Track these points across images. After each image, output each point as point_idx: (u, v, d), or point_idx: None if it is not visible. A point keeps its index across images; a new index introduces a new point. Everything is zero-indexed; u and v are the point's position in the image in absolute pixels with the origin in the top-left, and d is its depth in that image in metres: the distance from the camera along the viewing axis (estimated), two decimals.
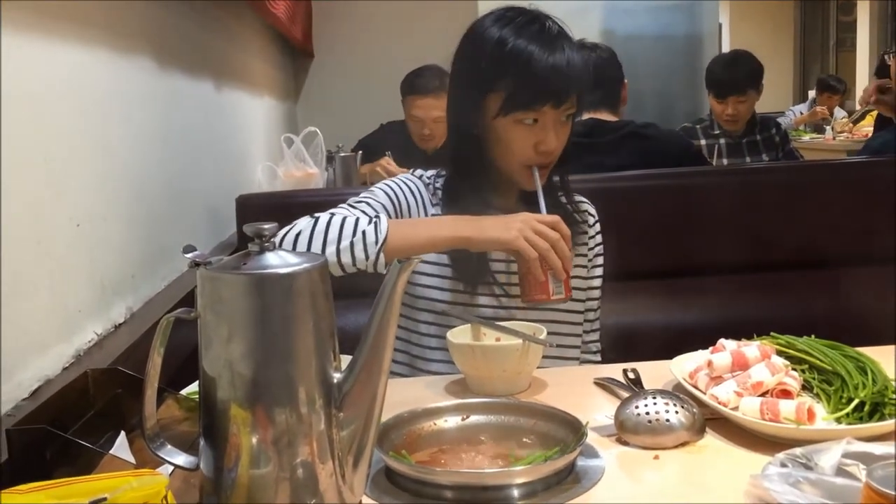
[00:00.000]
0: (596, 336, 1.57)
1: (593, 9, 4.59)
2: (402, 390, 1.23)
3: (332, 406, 0.80)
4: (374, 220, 1.27)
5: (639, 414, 1.02)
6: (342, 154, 3.23)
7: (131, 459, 0.91)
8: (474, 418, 1.04)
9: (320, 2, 4.42)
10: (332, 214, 1.30)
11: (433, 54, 3.46)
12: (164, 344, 0.81)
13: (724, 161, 3.30)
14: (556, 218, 1.30)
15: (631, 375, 1.19)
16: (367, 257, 1.23)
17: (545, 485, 0.89)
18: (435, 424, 1.02)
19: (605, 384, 1.21)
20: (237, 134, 2.68)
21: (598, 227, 1.56)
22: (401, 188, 1.44)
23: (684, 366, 1.17)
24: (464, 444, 1.00)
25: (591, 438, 1.01)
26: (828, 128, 6.28)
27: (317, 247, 1.25)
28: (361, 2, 4.44)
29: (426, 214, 1.43)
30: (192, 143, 1.98)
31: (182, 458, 0.83)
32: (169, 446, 0.83)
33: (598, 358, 1.55)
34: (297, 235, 1.26)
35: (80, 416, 0.96)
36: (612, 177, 1.99)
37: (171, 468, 0.86)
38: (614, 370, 1.25)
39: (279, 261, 0.79)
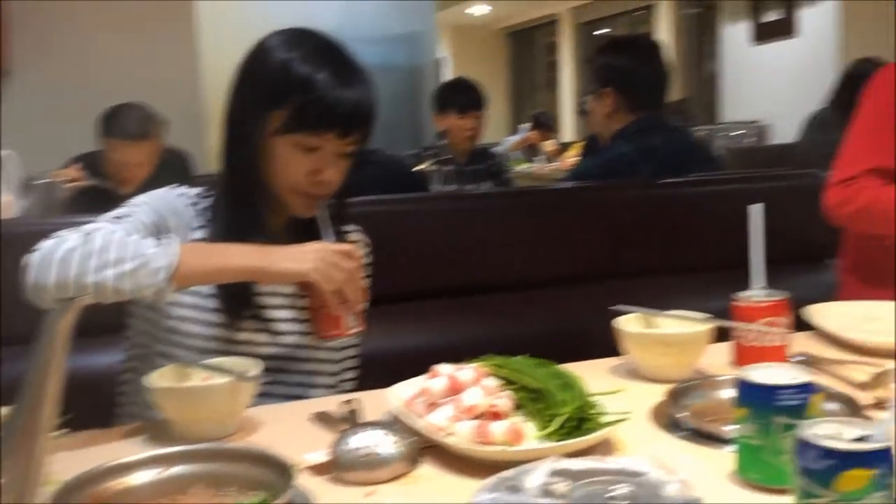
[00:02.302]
0: (353, 374, 1.51)
1: None
2: (90, 443, 1.10)
3: None
4: (161, 242, 1.16)
5: (351, 449, 0.97)
6: (42, 181, 2.93)
7: None
8: (175, 469, 0.94)
9: (17, 14, 3.99)
10: (108, 231, 1.16)
11: (146, 74, 3.26)
12: None
13: (453, 186, 3.45)
14: (350, 247, 1.25)
15: (348, 407, 1.15)
16: (152, 284, 1.12)
17: None
18: (125, 481, 0.90)
19: (323, 418, 1.16)
20: None
21: (369, 256, 1.51)
22: (165, 206, 1.32)
23: (403, 393, 1.15)
24: (161, 501, 0.90)
25: (306, 479, 0.95)
26: (540, 158, 6.78)
27: (90, 267, 1.11)
28: (65, 13, 4.06)
29: (187, 238, 1.31)
30: None
31: None
32: None
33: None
34: (69, 251, 1.12)
35: None
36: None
37: None
38: (334, 402, 1.20)
39: None
